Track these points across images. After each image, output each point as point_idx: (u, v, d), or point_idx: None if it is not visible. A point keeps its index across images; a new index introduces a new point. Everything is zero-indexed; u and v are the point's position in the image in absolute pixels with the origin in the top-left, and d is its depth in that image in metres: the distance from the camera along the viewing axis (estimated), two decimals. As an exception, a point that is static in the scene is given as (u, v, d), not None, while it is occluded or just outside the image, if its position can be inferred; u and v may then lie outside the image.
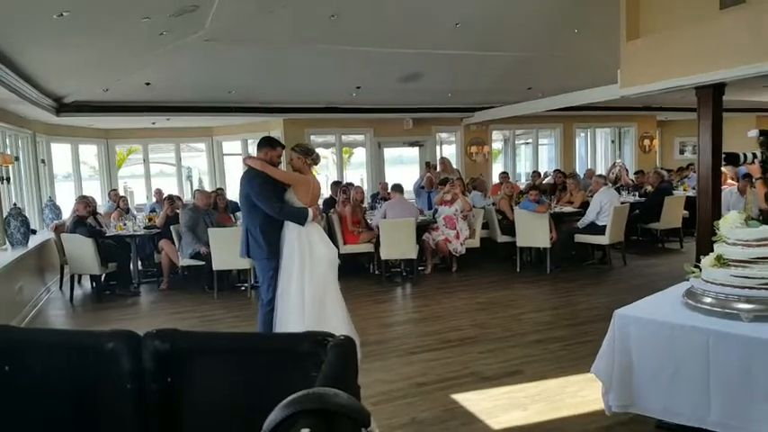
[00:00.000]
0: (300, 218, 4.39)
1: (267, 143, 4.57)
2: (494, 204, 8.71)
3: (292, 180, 4.57)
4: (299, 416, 1.00)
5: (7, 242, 6.84)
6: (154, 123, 11.07)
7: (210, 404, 1.52)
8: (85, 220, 7.36)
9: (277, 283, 4.43)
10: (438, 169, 11.01)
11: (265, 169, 4.43)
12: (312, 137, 11.65)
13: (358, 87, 9.16)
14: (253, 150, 10.03)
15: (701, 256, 2.87)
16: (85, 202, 7.57)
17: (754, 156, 3.63)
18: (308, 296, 4.38)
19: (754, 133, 3.68)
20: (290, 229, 4.42)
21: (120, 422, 1.53)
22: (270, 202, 4.36)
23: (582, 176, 10.58)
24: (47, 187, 9.49)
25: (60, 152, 10.77)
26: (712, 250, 2.82)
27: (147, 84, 7.97)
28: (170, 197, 8.52)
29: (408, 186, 10.57)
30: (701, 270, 2.83)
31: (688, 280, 2.93)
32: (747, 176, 8.68)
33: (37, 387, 1.59)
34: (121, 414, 1.52)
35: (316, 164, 4.70)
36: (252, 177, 4.41)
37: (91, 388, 1.56)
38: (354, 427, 1.06)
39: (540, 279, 7.47)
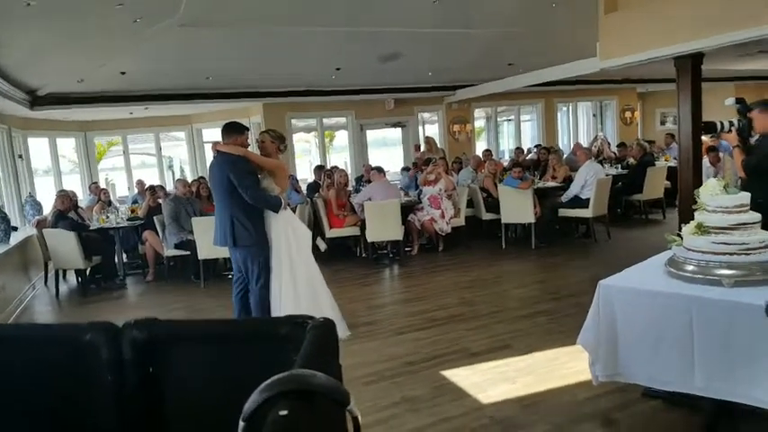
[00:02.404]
0: (276, 206, 4.43)
1: (235, 129, 4.48)
2: (473, 182, 8.75)
3: (275, 166, 4.54)
4: (277, 398, 0.99)
5: (-13, 240, 6.74)
6: (131, 113, 10.90)
7: (192, 391, 1.52)
8: (66, 213, 7.25)
9: (270, 267, 4.43)
10: (423, 149, 11.01)
11: (248, 156, 4.40)
12: (293, 121, 11.56)
13: (338, 69, 9.06)
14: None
15: (683, 225, 2.90)
16: (63, 196, 7.46)
17: (731, 124, 3.67)
18: (300, 277, 4.45)
19: (730, 101, 3.72)
20: (270, 213, 4.44)
21: (101, 413, 1.52)
22: (253, 189, 4.32)
23: (569, 152, 10.61)
24: (26, 183, 9.33)
25: (38, 147, 10.57)
26: (694, 219, 2.86)
27: (123, 73, 7.82)
28: (151, 188, 8.45)
29: (395, 168, 10.57)
30: (682, 239, 2.86)
31: (670, 249, 2.97)
32: (713, 149, 8.81)
33: (17, 381, 1.57)
34: (103, 405, 1.51)
35: (282, 152, 4.72)
36: (235, 162, 4.31)
37: (71, 380, 1.55)
38: (334, 407, 1.06)
39: (526, 255, 7.53)
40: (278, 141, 4.59)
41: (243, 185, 4.29)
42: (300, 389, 1.02)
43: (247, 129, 4.63)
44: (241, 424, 1.01)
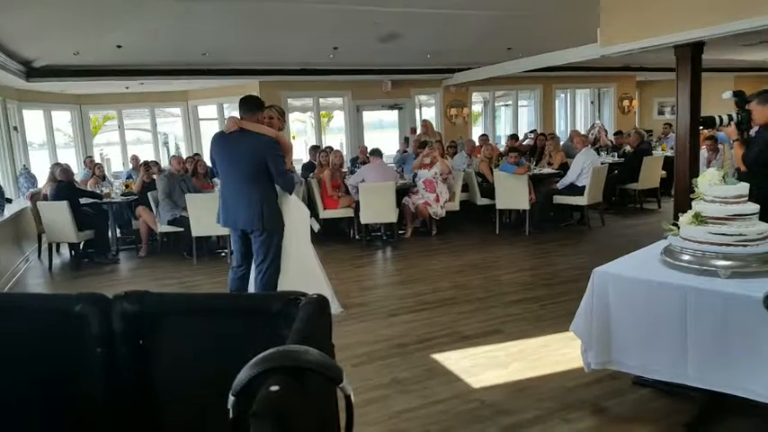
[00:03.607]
0: (294, 186, 4.39)
1: (257, 105, 4.24)
2: (468, 167, 8.72)
3: (290, 146, 4.48)
4: (268, 374, 0.98)
5: (-19, 211, 6.69)
6: (127, 88, 10.76)
7: (183, 365, 1.51)
8: (73, 184, 7.36)
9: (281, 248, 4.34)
10: (419, 132, 10.94)
11: (280, 138, 4.26)
12: (289, 100, 11.45)
13: (335, 48, 8.96)
14: (229, 114, 9.84)
15: (680, 214, 2.89)
16: (66, 168, 7.54)
17: (730, 117, 3.65)
18: (306, 256, 4.50)
19: (728, 95, 3.68)
20: (284, 194, 4.37)
21: (91, 385, 1.51)
22: (289, 174, 4.25)
23: (566, 139, 10.57)
24: (20, 155, 9.24)
25: (34, 120, 10.45)
26: (690, 209, 2.85)
27: (119, 47, 7.72)
28: (146, 163, 8.40)
29: (391, 151, 10.51)
30: (678, 228, 2.85)
31: (666, 238, 2.96)
32: (711, 138, 8.81)
33: (4, 351, 1.56)
34: (93, 377, 1.50)
35: (282, 130, 4.58)
36: (273, 146, 4.12)
37: (60, 352, 1.53)
38: (326, 384, 1.05)
39: (519, 241, 7.53)
40: (282, 117, 4.51)
41: (281, 171, 4.14)
42: (292, 365, 1.00)
43: (266, 106, 4.41)
44: (231, 398, 1.00)
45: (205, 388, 1.42)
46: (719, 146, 8.81)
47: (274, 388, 0.92)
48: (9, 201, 7.49)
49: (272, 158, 4.10)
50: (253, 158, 4.09)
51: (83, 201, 7.35)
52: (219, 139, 4.27)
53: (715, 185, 2.73)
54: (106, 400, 1.50)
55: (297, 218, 4.46)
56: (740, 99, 3.61)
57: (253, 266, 4.37)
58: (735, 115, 3.59)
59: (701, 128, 3.98)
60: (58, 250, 7.57)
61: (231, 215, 4.22)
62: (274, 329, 1.22)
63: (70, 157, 10.87)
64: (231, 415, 1.00)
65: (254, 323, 1.43)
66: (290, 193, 4.38)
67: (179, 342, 1.52)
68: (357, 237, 7.88)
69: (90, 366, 1.49)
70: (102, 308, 1.48)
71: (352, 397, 1.05)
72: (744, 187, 2.69)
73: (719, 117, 3.56)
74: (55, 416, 1.56)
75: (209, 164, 9.01)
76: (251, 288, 4.37)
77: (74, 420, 1.55)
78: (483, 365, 3.65)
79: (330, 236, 8.06)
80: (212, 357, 1.46)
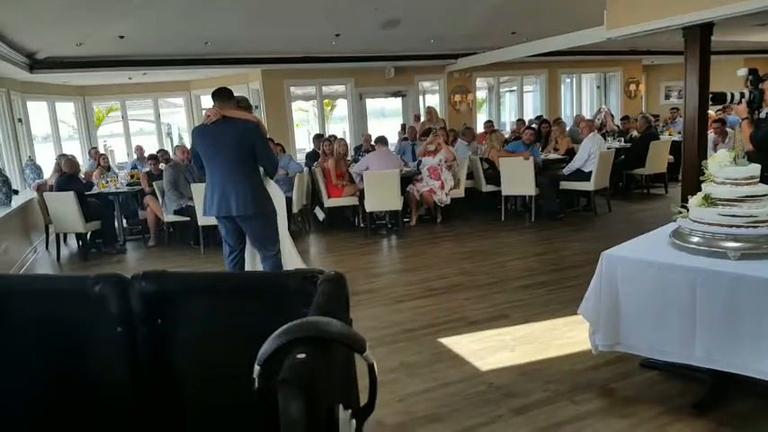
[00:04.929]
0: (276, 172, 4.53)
1: (231, 95, 4.31)
2: (475, 153, 8.68)
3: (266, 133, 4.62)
4: (293, 344, 0.99)
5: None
6: (130, 78, 10.76)
7: (201, 344, 1.53)
8: (76, 176, 7.36)
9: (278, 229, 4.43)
10: (423, 119, 10.89)
11: (260, 123, 4.37)
12: (292, 88, 11.41)
13: (337, 35, 8.90)
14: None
15: (689, 197, 2.87)
16: (72, 159, 7.58)
17: (742, 95, 3.61)
18: (287, 238, 4.59)
19: (743, 72, 3.65)
20: (263, 176, 4.42)
21: (111, 365, 1.53)
22: (272, 156, 4.37)
23: (572, 125, 10.51)
24: (26, 147, 9.27)
25: (38, 112, 10.47)
26: (697, 193, 2.83)
27: (121, 37, 7.69)
28: (152, 156, 8.46)
29: (393, 140, 10.46)
30: (688, 210, 2.83)
31: (675, 221, 2.95)
32: (719, 121, 8.74)
33: (25, 332, 1.57)
34: (113, 357, 1.52)
35: None
36: (257, 129, 4.22)
37: (81, 332, 1.55)
38: (349, 355, 1.06)
39: (525, 227, 7.51)
40: (249, 111, 4.60)
41: (267, 154, 4.23)
42: (317, 335, 1.01)
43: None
44: (256, 368, 1.01)
45: (223, 365, 1.43)
46: (728, 129, 8.74)
47: (301, 356, 0.93)
48: (16, 192, 7.53)
49: (260, 143, 4.18)
50: (240, 144, 4.14)
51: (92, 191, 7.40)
52: (201, 131, 4.27)
53: (726, 167, 2.70)
54: (126, 378, 1.52)
55: (279, 202, 4.52)
56: (754, 77, 3.57)
57: (248, 254, 4.46)
58: (747, 93, 3.56)
59: (710, 103, 3.94)
60: (65, 241, 7.61)
61: (224, 203, 4.20)
62: (292, 307, 1.22)
63: (75, 149, 10.90)
64: (256, 385, 1.01)
65: (271, 301, 1.44)
66: (272, 178, 4.47)
67: (197, 321, 1.53)
68: (362, 225, 7.88)
69: (110, 345, 1.51)
70: (120, 288, 1.50)
71: (375, 366, 1.05)
72: (755, 168, 2.67)
73: (731, 93, 3.52)
74: (75, 394, 1.57)
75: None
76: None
77: (94, 398, 1.57)
78: (490, 349, 3.65)
79: (335, 224, 8.08)
80: (230, 335, 1.48)
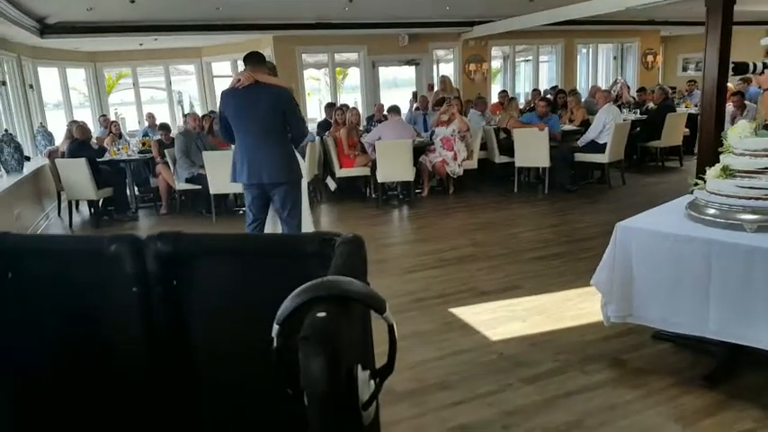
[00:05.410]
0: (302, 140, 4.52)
1: (263, 60, 4.23)
2: (489, 124, 8.59)
3: None
4: (313, 302, 0.98)
5: (2, 169, 6.76)
6: (141, 45, 10.70)
7: (217, 306, 1.53)
8: (88, 143, 7.40)
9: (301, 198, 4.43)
10: (437, 88, 10.76)
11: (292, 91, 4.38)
12: (304, 56, 11.29)
13: (350, 0, 8.75)
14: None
15: (707, 168, 2.83)
16: (83, 126, 7.64)
17: (765, 65, 3.52)
18: (306, 206, 4.64)
19: (767, 41, 3.56)
20: None
21: (125, 326, 1.54)
22: (303, 124, 4.34)
23: (588, 96, 10.36)
24: (37, 114, 9.29)
25: (49, 78, 10.46)
26: (713, 166, 2.79)
27: (132, 1, 7.59)
28: (163, 125, 8.46)
29: (404, 111, 10.36)
30: (705, 182, 2.80)
31: (691, 193, 2.91)
32: (738, 94, 8.55)
33: (41, 293, 1.59)
34: (127, 318, 1.53)
35: None
36: (290, 97, 4.19)
37: (96, 292, 1.56)
38: (368, 315, 1.05)
39: (539, 199, 7.47)
40: (275, 72, 4.52)
41: (298, 120, 4.19)
42: (337, 293, 1.00)
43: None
44: (275, 327, 1.01)
45: (239, 326, 1.44)
46: (747, 102, 8.55)
47: (321, 314, 0.92)
48: (27, 158, 7.57)
49: (290, 110, 4.11)
50: (275, 110, 4.07)
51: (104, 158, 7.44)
52: (233, 95, 4.16)
53: (746, 138, 2.65)
54: (141, 339, 1.53)
55: (302, 169, 4.55)
56: None
57: (270, 224, 4.42)
58: None
59: (732, 73, 3.85)
60: (77, 208, 7.67)
61: (255, 169, 4.15)
62: (309, 269, 1.22)
63: (86, 116, 10.92)
64: (275, 344, 1.01)
65: (289, 263, 1.43)
66: (297, 147, 4.42)
67: (213, 283, 1.53)
68: (374, 195, 7.86)
69: (125, 305, 1.52)
70: (136, 248, 1.49)
71: (395, 326, 1.05)
72: (775, 139, 2.61)
73: (753, 63, 3.44)
74: (89, 356, 1.59)
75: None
76: None
77: (108, 359, 1.59)
78: (501, 319, 3.67)
79: (346, 194, 8.07)
80: (247, 297, 1.48)
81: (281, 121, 4.08)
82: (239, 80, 4.09)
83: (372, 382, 1.03)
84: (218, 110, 4.32)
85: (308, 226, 4.61)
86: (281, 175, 4.14)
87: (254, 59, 4.18)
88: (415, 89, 12.07)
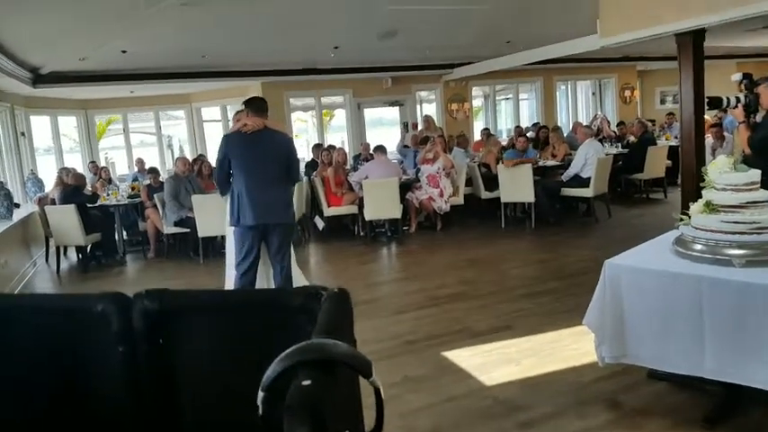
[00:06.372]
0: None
1: (265, 107, 4.34)
2: (474, 161, 8.72)
3: None
4: (299, 367, 0.96)
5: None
6: (132, 92, 10.80)
7: (204, 363, 1.50)
8: (82, 189, 7.44)
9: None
10: (421, 127, 10.91)
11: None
12: (291, 100, 11.45)
13: (336, 47, 8.93)
14: (233, 114, 9.83)
15: (690, 203, 2.86)
16: (79, 174, 7.75)
17: (738, 99, 3.62)
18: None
19: (737, 77, 3.66)
20: None
21: (112, 385, 1.51)
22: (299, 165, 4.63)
23: (569, 131, 10.54)
24: (28, 161, 9.31)
25: (40, 125, 10.51)
26: (697, 198, 2.81)
27: (124, 51, 7.71)
28: (152, 169, 8.51)
29: (391, 148, 10.48)
30: (689, 217, 2.82)
31: (677, 228, 2.93)
32: (716, 126, 8.76)
33: (26, 352, 1.56)
34: (114, 377, 1.50)
35: None
36: (292, 142, 4.50)
37: (82, 351, 1.53)
38: (354, 377, 1.03)
39: (526, 234, 7.51)
40: None
41: (297, 166, 4.49)
42: (322, 358, 0.99)
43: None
44: (261, 394, 0.99)
45: (227, 385, 1.41)
46: (726, 134, 8.74)
47: (306, 382, 0.91)
48: (17, 206, 7.54)
49: (293, 155, 4.41)
50: (282, 155, 4.28)
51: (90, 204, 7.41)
52: (240, 138, 4.21)
53: (725, 173, 2.69)
54: (127, 399, 1.50)
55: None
56: (749, 82, 3.58)
57: (260, 272, 4.39)
58: (742, 97, 3.56)
59: (707, 108, 3.95)
60: (65, 253, 7.60)
61: (262, 212, 4.19)
62: (297, 325, 1.20)
63: (76, 162, 10.95)
64: (261, 411, 0.99)
65: (275, 319, 1.42)
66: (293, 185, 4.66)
67: (200, 340, 1.51)
68: (362, 233, 7.87)
69: (111, 365, 1.49)
70: (122, 306, 1.48)
71: (381, 390, 1.03)
72: (755, 174, 2.65)
73: (727, 98, 3.53)
74: (75, 414, 1.55)
75: (214, 165, 9.08)
76: (265, 284, 4.41)
77: (95, 418, 1.55)
78: (495, 362, 3.62)
79: (334, 233, 8.08)
80: (234, 354, 1.46)
81: (285, 165, 4.28)
82: (245, 125, 4.16)
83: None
84: (219, 153, 4.32)
85: (296, 271, 4.64)
86: (287, 216, 4.36)
87: (258, 106, 4.31)
88: (406, 120, 12.21)
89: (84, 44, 7.16)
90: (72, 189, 7.25)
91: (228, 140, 4.31)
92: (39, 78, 8.33)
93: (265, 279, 4.47)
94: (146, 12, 5.80)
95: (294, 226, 4.57)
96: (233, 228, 4.33)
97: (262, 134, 4.18)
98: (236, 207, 4.23)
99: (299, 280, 4.63)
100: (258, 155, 4.19)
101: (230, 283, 4.48)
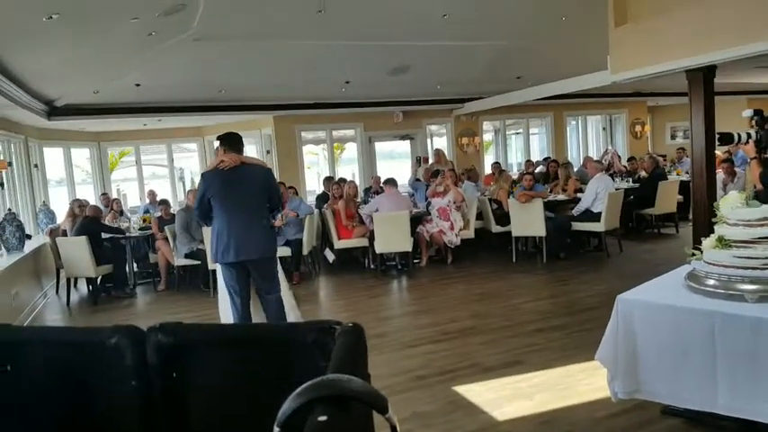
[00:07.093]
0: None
1: (241, 141, 4.42)
2: (485, 194, 8.74)
3: None
4: (314, 404, 0.97)
5: (2, 248, 6.78)
6: (145, 125, 11.00)
7: (217, 397, 1.50)
8: (100, 220, 7.54)
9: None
10: (432, 161, 11.00)
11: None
12: (303, 133, 11.61)
13: (347, 82, 9.10)
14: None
15: (702, 238, 2.85)
16: (95, 206, 7.93)
17: (749, 135, 3.63)
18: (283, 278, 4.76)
19: (748, 113, 3.68)
20: None
21: (126, 419, 1.50)
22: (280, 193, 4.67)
23: (579, 166, 10.58)
24: (40, 192, 9.43)
25: (53, 156, 10.69)
26: (708, 233, 2.81)
27: (137, 85, 7.91)
28: (163, 201, 8.60)
29: (402, 181, 10.57)
30: (702, 252, 2.81)
31: (689, 263, 2.92)
32: (728, 161, 8.76)
33: (40, 386, 1.56)
34: (127, 410, 1.50)
35: None
36: (271, 173, 4.53)
37: (95, 385, 1.54)
38: (369, 413, 1.03)
39: (537, 268, 7.47)
40: None
41: (279, 194, 4.54)
42: (338, 394, 0.99)
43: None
44: (276, 429, 0.99)
45: (240, 419, 1.41)
46: (737, 169, 8.73)
47: (322, 418, 0.91)
48: (29, 237, 7.60)
49: (274, 186, 4.44)
50: (261, 189, 4.29)
51: (104, 236, 7.47)
52: (218, 175, 4.23)
53: (737, 209, 2.69)
54: (140, 432, 1.49)
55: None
56: (760, 118, 3.60)
57: (252, 305, 4.43)
58: (753, 133, 3.58)
59: (717, 143, 3.97)
60: (75, 285, 7.63)
61: (243, 247, 4.20)
62: (310, 360, 1.21)
63: (88, 193, 11.06)
64: None
65: (288, 354, 1.42)
66: (273, 217, 4.68)
67: (213, 374, 1.52)
68: (372, 266, 7.86)
69: (125, 399, 1.49)
70: (136, 340, 1.49)
71: (397, 427, 1.03)
72: (767, 209, 2.65)
73: (738, 134, 3.54)
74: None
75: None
76: (260, 317, 4.42)
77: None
78: (507, 397, 3.58)
79: (345, 266, 8.08)
80: (248, 389, 1.46)
81: (265, 198, 4.30)
82: (222, 161, 4.20)
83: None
84: (198, 192, 4.39)
85: (288, 299, 4.65)
86: (268, 249, 4.33)
87: (234, 141, 4.33)
88: (418, 154, 12.31)
89: (98, 78, 7.35)
90: (89, 220, 7.32)
91: (205, 179, 4.34)
92: (53, 111, 8.51)
93: (259, 311, 4.50)
94: (159, 46, 5.99)
95: (276, 257, 4.48)
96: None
97: (239, 170, 4.20)
98: (216, 244, 4.26)
99: (291, 311, 4.62)
100: (236, 191, 4.22)
101: (225, 317, 4.51)
